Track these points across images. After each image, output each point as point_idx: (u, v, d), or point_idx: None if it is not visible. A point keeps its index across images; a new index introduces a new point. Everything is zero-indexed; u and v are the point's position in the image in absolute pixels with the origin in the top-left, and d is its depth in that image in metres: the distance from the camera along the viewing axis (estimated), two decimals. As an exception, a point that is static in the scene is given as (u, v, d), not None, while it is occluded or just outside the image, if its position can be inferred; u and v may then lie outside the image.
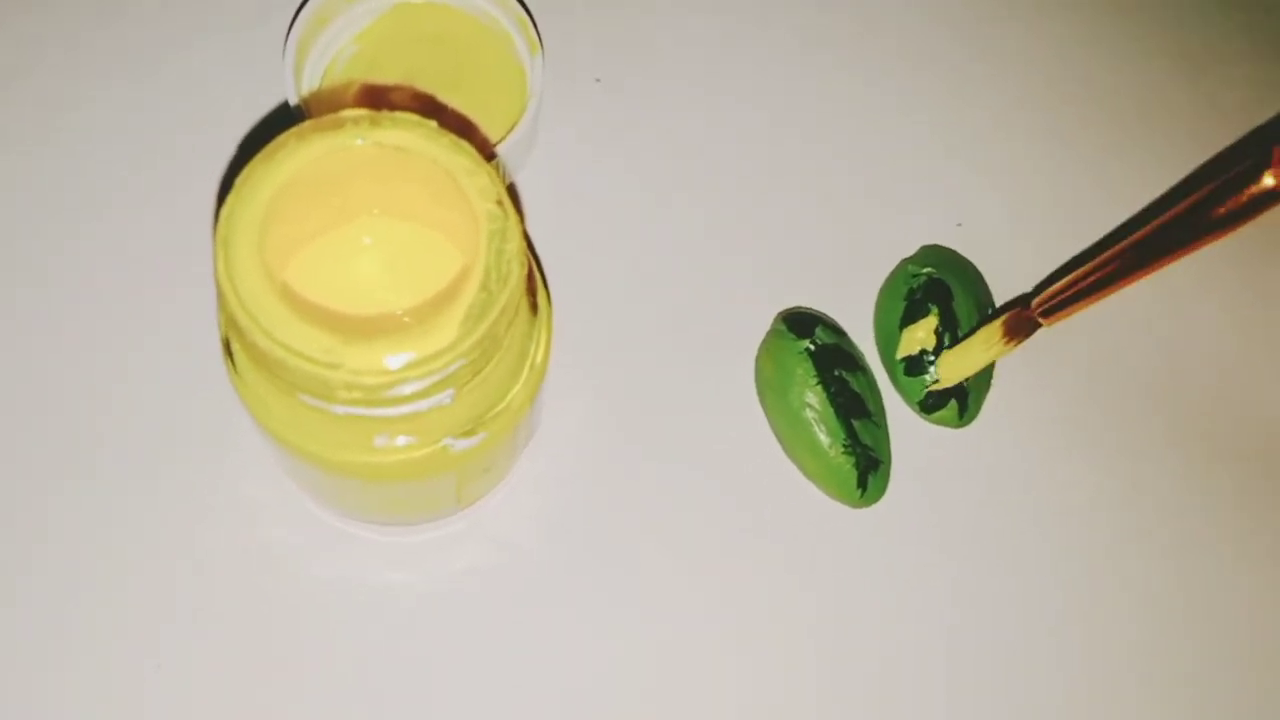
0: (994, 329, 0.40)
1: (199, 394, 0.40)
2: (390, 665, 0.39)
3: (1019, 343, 0.39)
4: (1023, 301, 0.39)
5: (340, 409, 0.29)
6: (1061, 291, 0.36)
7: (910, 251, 0.45)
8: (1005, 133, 0.49)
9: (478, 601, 0.40)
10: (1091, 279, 0.35)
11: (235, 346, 0.32)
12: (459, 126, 0.38)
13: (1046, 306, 0.37)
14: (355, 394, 0.28)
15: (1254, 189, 0.30)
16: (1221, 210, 0.30)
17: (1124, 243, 0.34)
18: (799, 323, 0.42)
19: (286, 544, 0.40)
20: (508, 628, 0.39)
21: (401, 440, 0.32)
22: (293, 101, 0.41)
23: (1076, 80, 0.50)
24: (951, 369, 0.42)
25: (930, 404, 0.43)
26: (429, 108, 0.42)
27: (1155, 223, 0.33)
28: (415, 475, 0.33)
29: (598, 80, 0.47)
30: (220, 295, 0.28)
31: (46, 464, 0.40)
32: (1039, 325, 0.38)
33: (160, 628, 0.38)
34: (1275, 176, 0.29)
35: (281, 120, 0.44)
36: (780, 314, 0.43)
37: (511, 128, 0.41)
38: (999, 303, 0.45)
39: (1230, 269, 0.48)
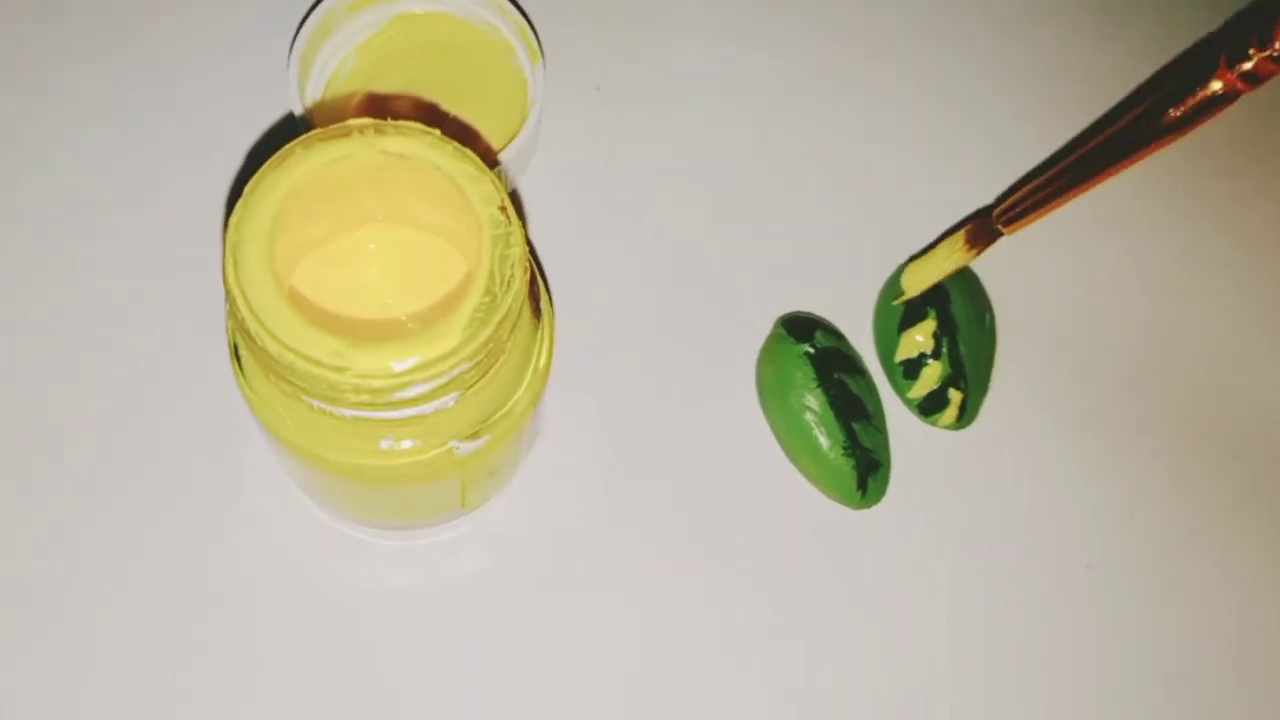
0: (957, 238, 0.41)
1: (205, 401, 0.41)
2: (395, 668, 0.39)
3: (980, 251, 0.40)
4: (985, 212, 0.40)
5: (347, 412, 0.30)
6: (1021, 200, 0.38)
7: (907, 256, 0.45)
8: (1005, 138, 0.49)
9: (482, 604, 0.40)
10: (1050, 187, 0.37)
11: (243, 352, 0.33)
12: (461, 135, 0.39)
13: (1007, 214, 0.38)
14: (362, 396, 0.29)
15: (1203, 93, 0.32)
16: (1173, 115, 0.33)
17: (1080, 150, 0.36)
18: (798, 326, 0.42)
19: (291, 549, 0.40)
20: (512, 630, 0.40)
21: (407, 443, 0.32)
22: (297, 112, 0.41)
23: (1076, 92, 0.50)
24: (916, 279, 0.43)
25: (929, 406, 0.43)
26: (431, 117, 0.43)
27: (1109, 130, 0.35)
28: (420, 478, 0.34)
29: (598, 88, 0.48)
30: (230, 302, 0.29)
31: (53, 471, 0.40)
32: (1000, 233, 0.39)
33: (166, 633, 0.39)
34: (1223, 81, 0.31)
35: (286, 131, 0.45)
36: (780, 318, 0.44)
37: (513, 136, 0.42)
38: (997, 312, 0.45)
39: (1230, 268, 0.48)
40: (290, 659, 0.39)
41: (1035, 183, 0.37)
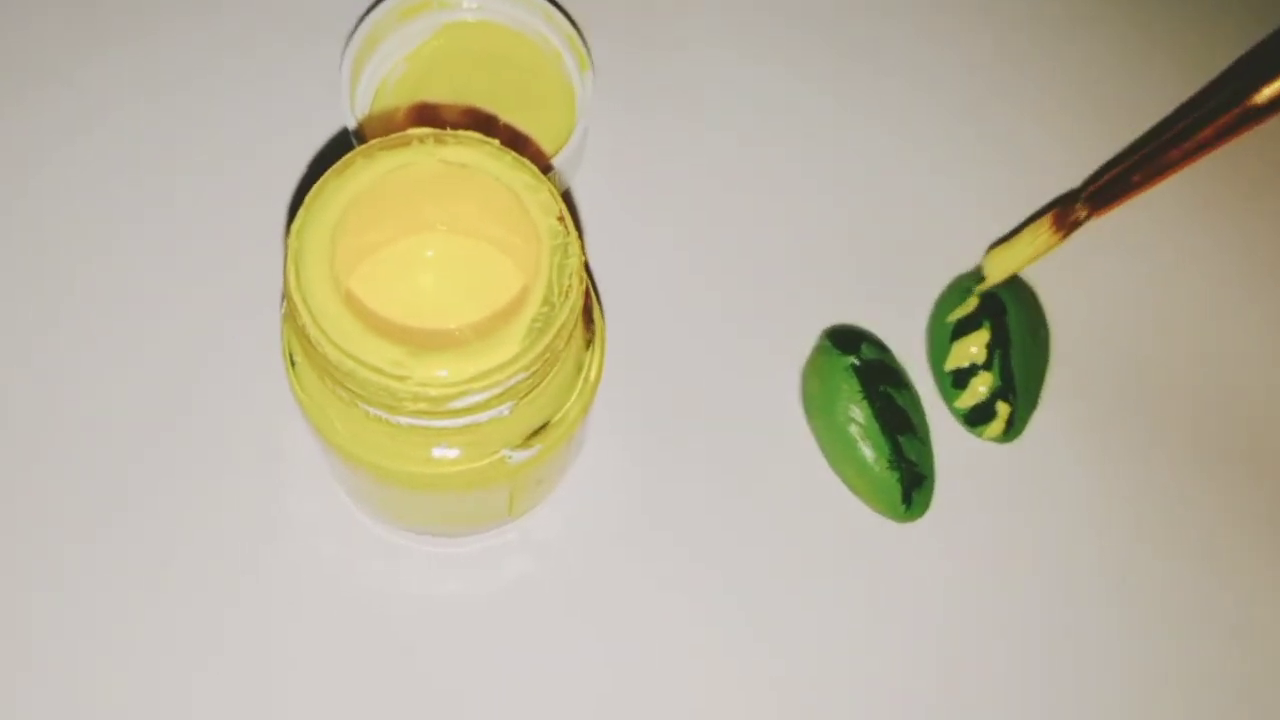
0: (1042, 222, 0.40)
1: (256, 407, 0.41)
2: (436, 674, 0.39)
3: (1066, 235, 0.39)
4: (1074, 197, 0.39)
5: (403, 420, 0.30)
6: (1111, 182, 0.37)
7: (953, 271, 0.45)
8: (1049, 152, 0.49)
9: (526, 611, 0.40)
10: (1141, 168, 0.37)
11: (299, 358, 0.33)
12: (513, 142, 0.39)
13: (1095, 194, 0.38)
14: (420, 405, 0.29)
15: None
16: (1263, 98, 0.33)
17: (1171, 130, 0.36)
18: (844, 339, 0.42)
19: (338, 555, 0.40)
20: (555, 637, 0.40)
21: (459, 451, 0.32)
22: (350, 125, 0.42)
23: (1109, 87, 0.50)
24: (998, 265, 0.42)
25: (976, 418, 0.43)
26: (483, 125, 0.43)
27: (1202, 109, 0.35)
28: (471, 486, 0.34)
29: (646, 97, 0.48)
30: (291, 308, 0.29)
31: (104, 472, 0.40)
32: (1087, 216, 0.38)
33: (213, 635, 0.39)
34: None
35: (341, 141, 0.45)
36: (826, 330, 0.44)
37: (561, 145, 0.42)
38: (1052, 329, 0.45)
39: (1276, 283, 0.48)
40: (332, 663, 0.39)
41: (1126, 163, 0.37)
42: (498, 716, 0.39)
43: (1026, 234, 0.41)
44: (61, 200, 0.44)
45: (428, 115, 0.43)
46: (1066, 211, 0.39)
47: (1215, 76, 0.49)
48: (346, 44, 0.43)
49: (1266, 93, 0.33)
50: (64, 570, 0.39)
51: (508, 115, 0.44)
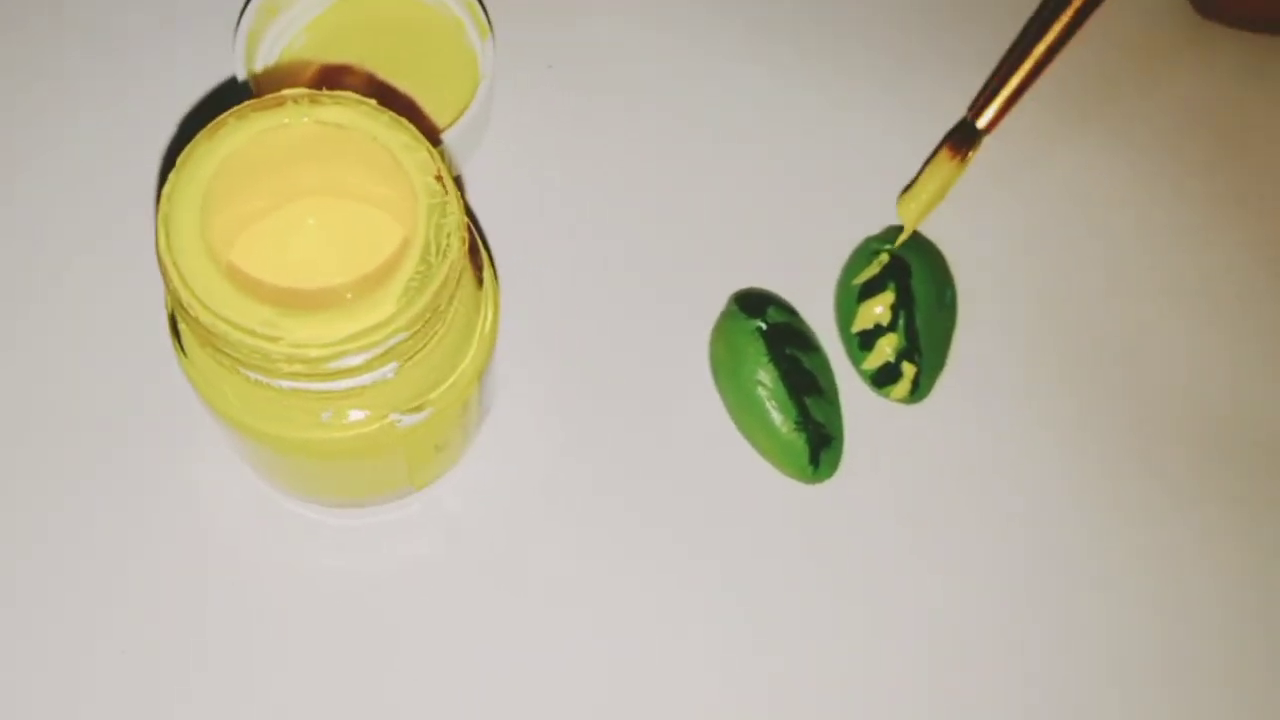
0: (941, 154, 0.41)
1: (147, 377, 0.40)
2: (342, 648, 0.39)
3: (965, 157, 0.41)
4: (962, 123, 0.41)
5: (284, 383, 0.30)
6: (989, 93, 0.39)
7: (861, 233, 0.45)
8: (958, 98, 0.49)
9: (432, 583, 0.40)
10: (1010, 63, 0.40)
11: (182, 326, 0.32)
12: (405, 109, 0.38)
13: (977, 106, 0.40)
14: (295, 367, 0.29)
15: None
16: None
17: (1033, 29, 0.39)
18: (751, 303, 0.42)
19: (240, 528, 0.40)
20: (459, 610, 0.40)
21: (349, 416, 0.32)
22: (241, 77, 0.41)
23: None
24: (911, 210, 0.43)
25: (882, 379, 0.43)
26: (378, 91, 0.43)
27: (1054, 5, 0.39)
28: (363, 452, 0.34)
29: (549, 67, 0.48)
30: (163, 272, 0.29)
31: None
32: (978, 131, 0.40)
33: (114, 612, 0.38)
34: None
35: (227, 100, 0.44)
36: (733, 295, 0.44)
37: (463, 111, 0.42)
38: (959, 283, 0.45)
39: (1192, 242, 0.48)
40: (238, 638, 0.39)
41: (998, 74, 0.40)
42: (402, 690, 0.39)
43: (929, 170, 0.42)
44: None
45: (325, 81, 0.43)
46: (959, 133, 0.40)
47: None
48: (241, 12, 0.42)
49: None
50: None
51: (411, 83, 0.44)
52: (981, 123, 0.40)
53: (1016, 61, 0.39)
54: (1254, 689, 0.42)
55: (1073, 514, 0.43)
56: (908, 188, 0.43)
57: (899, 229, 0.44)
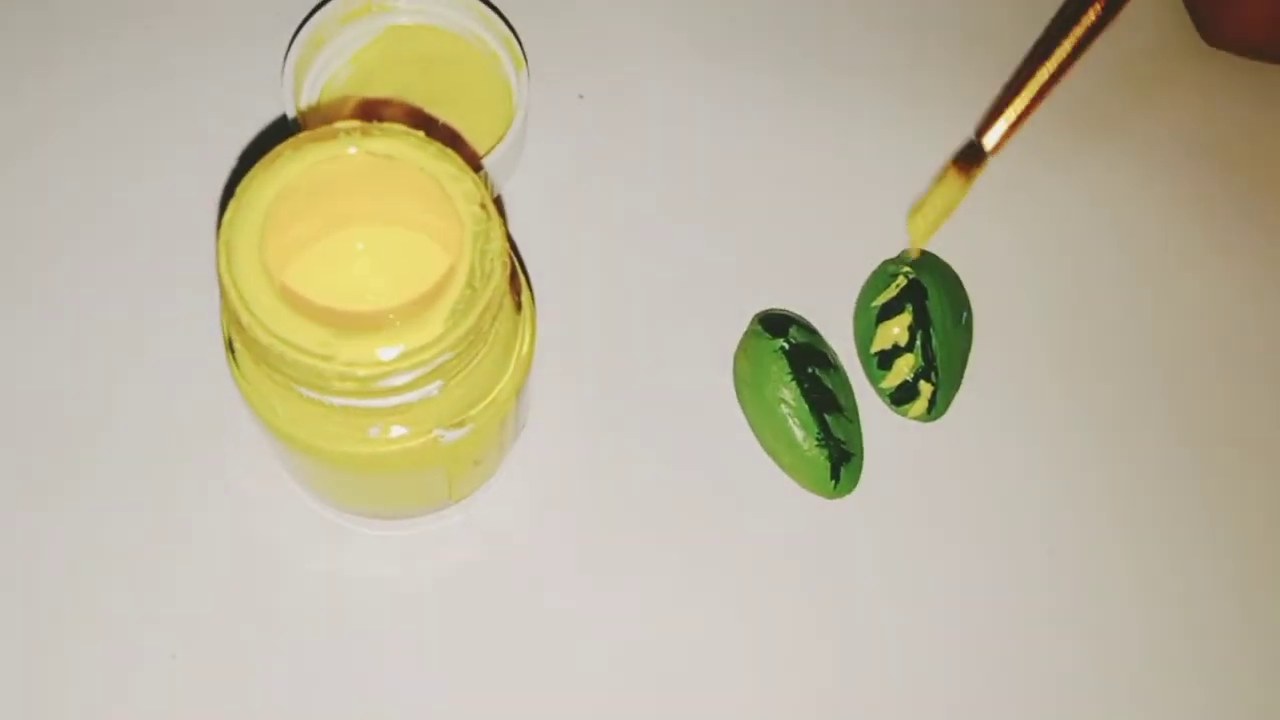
0: (947, 172, 0.43)
1: (200, 393, 0.42)
2: (383, 656, 0.40)
3: (971, 175, 0.42)
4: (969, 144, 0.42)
5: (335, 400, 0.31)
6: (993, 114, 0.41)
7: (879, 256, 0.47)
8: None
9: (471, 592, 0.41)
10: (1015, 85, 0.40)
11: (238, 345, 0.34)
12: (448, 139, 0.40)
13: (984, 127, 0.41)
14: (349, 385, 0.30)
15: None
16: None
17: (1039, 53, 0.40)
18: (774, 323, 0.44)
19: (283, 538, 0.41)
20: (499, 616, 0.41)
21: (394, 432, 0.34)
22: (290, 114, 0.43)
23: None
24: (919, 227, 0.44)
25: (900, 397, 0.45)
26: (420, 122, 0.45)
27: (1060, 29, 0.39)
28: (408, 466, 0.35)
29: (581, 96, 0.49)
30: (223, 294, 0.31)
31: (50, 459, 0.42)
32: (984, 151, 0.41)
33: (159, 620, 0.40)
34: None
35: (279, 133, 0.46)
36: (756, 315, 0.45)
37: (499, 140, 0.43)
38: (974, 305, 0.47)
39: (1201, 265, 0.50)
40: (280, 646, 0.40)
41: (1004, 96, 0.40)
42: (442, 698, 0.40)
43: (936, 188, 0.43)
44: (6, 196, 0.46)
45: (369, 112, 0.45)
46: (965, 153, 0.42)
47: None
48: (289, 48, 0.44)
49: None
50: (4, 555, 0.40)
51: (449, 114, 0.45)
52: (987, 144, 0.41)
53: (1020, 86, 0.41)
54: None
55: (1090, 529, 0.45)
56: (917, 205, 0.44)
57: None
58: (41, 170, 0.46)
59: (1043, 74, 0.40)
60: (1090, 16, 0.39)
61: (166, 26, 0.49)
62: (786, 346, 0.43)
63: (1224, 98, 0.53)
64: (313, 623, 0.41)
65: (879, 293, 0.45)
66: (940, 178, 0.43)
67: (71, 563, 0.40)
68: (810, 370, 0.43)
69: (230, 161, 0.46)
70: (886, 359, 0.45)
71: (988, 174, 0.45)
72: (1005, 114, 0.41)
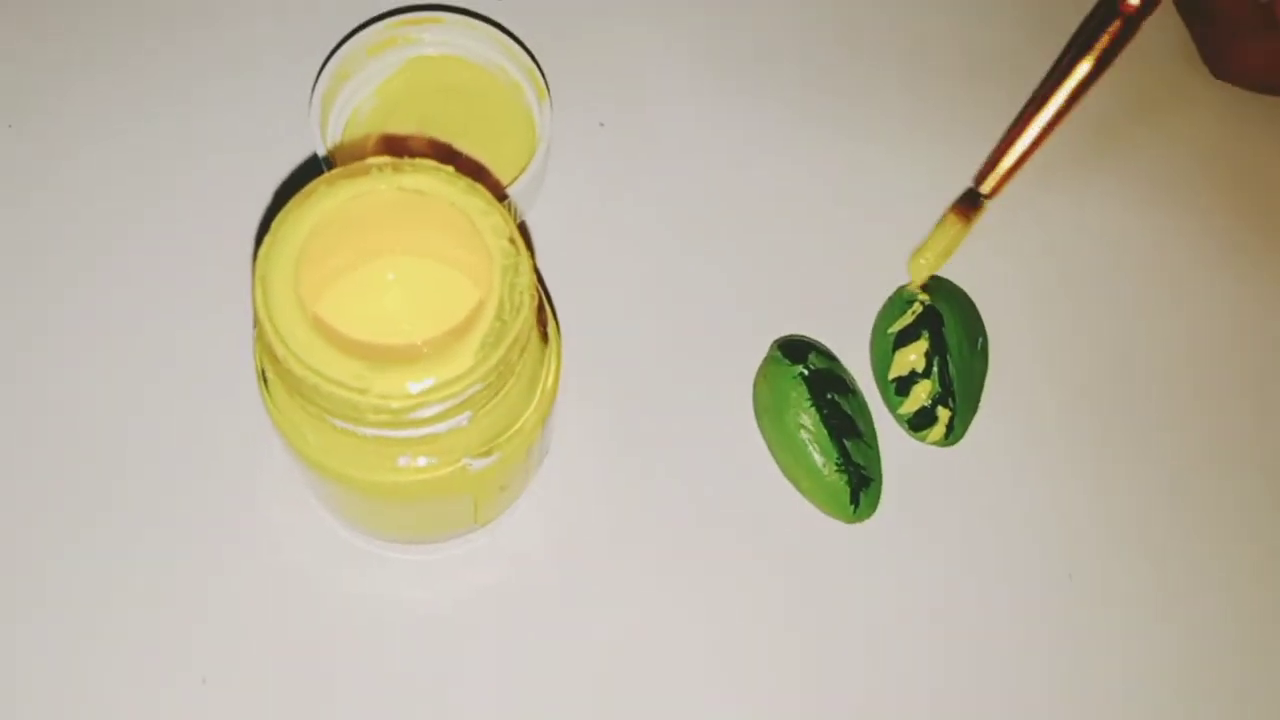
0: (947, 216, 0.46)
1: (233, 423, 0.43)
2: (412, 677, 0.41)
3: (970, 219, 0.45)
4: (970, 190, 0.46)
5: (368, 431, 0.32)
6: (992, 160, 0.44)
7: (894, 283, 0.47)
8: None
9: (497, 613, 0.42)
10: (1010, 135, 0.44)
11: (270, 376, 0.35)
12: (472, 171, 0.41)
13: (983, 177, 0.45)
14: (381, 416, 0.31)
15: (1124, 9, 0.42)
16: (1103, 43, 0.43)
17: (1034, 102, 0.44)
18: (793, 349, 0.45)
19: (313, 563, 0.42)
20: (525, 636, 0.42)
21: (423, 461, 0.34)
22: (320, 153, 0.44)
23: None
24: (918, 266, 0.46)
25: (918, 423, 0.45)
26: (444, 154, 0.45)
27: (1052, 79, 0.44)
28: (436, 494, 0.36)
29: (601, 125, 0.50)
30: (259, 328, 0.31)
31: (83, 485, 0.42)
32: (981, 196, 0.45)
33: (191, 644, 0.41)
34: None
35: (311, 170, 0.47)
36: (775, 341, 0.46)
37: (522, 170, 0.44)
38: (990, 330, 0.47)
39: (1212, 292, 0.50)
40: (311, 670, 0.41)
41: (1001, 144, 0.44)
42: (473, 715, 0.41)
43: (937, 231, 0.46)
44: (42, 223, 0.46)
45: (394, 145, 0.45)
46: (964, 198, 0.45)
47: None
48: (316, 79, 0.45)
49: (1100, 43, 0.42)
50: (38, 580, 0.41)
51: (472, 144, 0.46)
52: (985, 190, 0.44)
53: (1015, 136, 0.44)
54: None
55: (1109, 553, 0.45)
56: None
57: (931, 279, 0.47)
58: (78, 203, 0.47)
59: (1035, 126, 0.44)
60: (1082, 69, 0.42)
61: (193, 59, 0.50)
62: (806, 372, 0.44)
63: (1232, 130, 0.53)
64: (342, 646, 0.41)
65: (895, 319, 0.46)
66: (941, 222, 0.45)
67: (104, 588, 0.41)
68: (829, 396, 0.44)
69: (262, 194, 0.47)
70: (904, 385, 0.45)
71: (1001, 202, 0.46)
72: (1001, 163, 0.44)
